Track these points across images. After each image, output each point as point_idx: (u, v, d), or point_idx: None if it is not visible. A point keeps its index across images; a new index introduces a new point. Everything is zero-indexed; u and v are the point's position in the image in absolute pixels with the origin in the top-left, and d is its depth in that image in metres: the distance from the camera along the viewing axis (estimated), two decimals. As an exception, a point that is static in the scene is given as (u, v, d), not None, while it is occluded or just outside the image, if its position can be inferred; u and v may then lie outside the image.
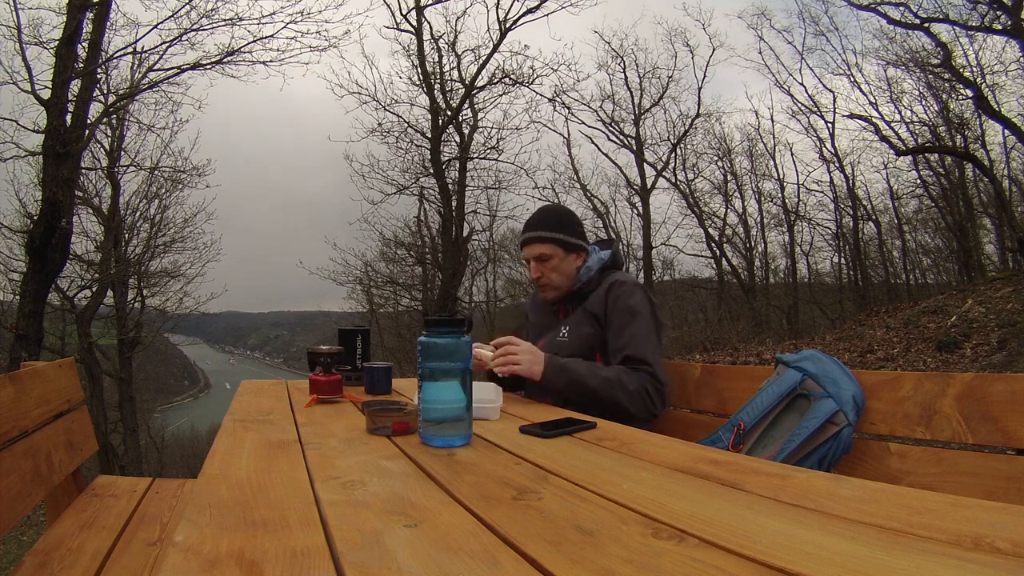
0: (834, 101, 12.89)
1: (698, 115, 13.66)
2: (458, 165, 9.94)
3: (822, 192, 13.96)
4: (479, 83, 9.65)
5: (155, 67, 7.02)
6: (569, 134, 13.97)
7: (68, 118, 5.73)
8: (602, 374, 1.47)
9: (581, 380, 1.45)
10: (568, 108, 12.89)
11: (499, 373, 1.49)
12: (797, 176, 14.40)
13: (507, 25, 9.30)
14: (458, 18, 9.61)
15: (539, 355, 1.49)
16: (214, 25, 6.91)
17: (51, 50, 5.79)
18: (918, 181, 12.84)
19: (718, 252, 14.36)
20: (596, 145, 14.02)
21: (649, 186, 13.69)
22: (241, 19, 6.97)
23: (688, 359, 8.82)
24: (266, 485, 0.72)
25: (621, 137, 13.76)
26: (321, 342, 1.79)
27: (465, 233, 10.06)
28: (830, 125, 13.12)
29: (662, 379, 1.51)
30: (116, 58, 6.82)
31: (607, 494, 0.69)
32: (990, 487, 0.99)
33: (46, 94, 5.72)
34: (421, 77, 9.65)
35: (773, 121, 14.40)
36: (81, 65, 5.88)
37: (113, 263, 9.82)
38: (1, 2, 6.16)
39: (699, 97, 13.60)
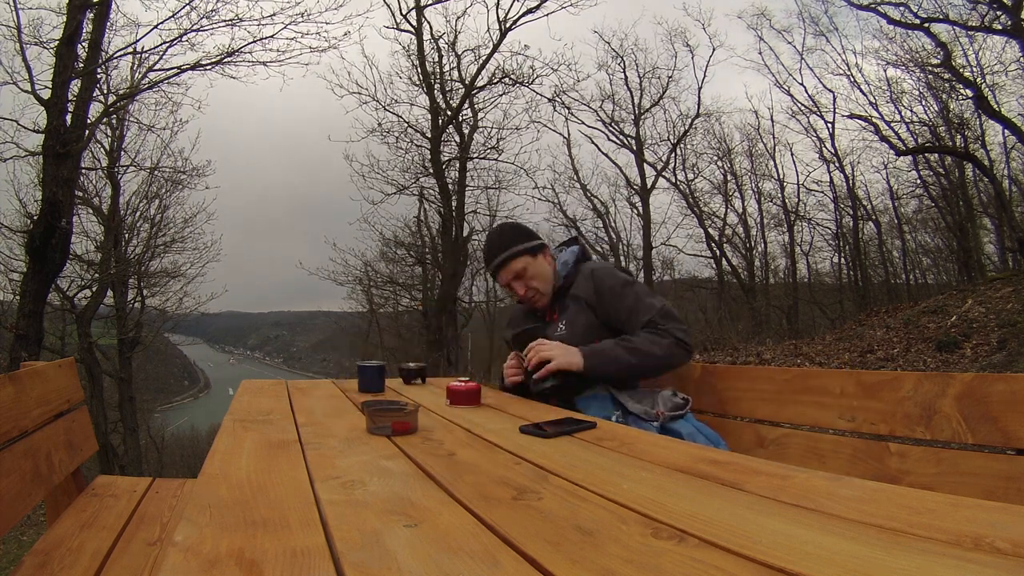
0: (834, 101, 12.89)
1: (698, 115, 13.69)
2: (458, 165, 9.95)
3: (822, 192, 13.97)
4: (479, 83, 9.66)
5: (155, 67, 7.03)
6: (569, 134, 14.00)
7: (68, 118, 5.73)
8: (633, 346, 1.51)
9: (620, 359, 1.50)
10: (568, 108, 12.91)
11: (534, 371, 1.50)
12: (797, 176, 14.40)
13: (507, 25, 9.31)
14: (458, 18, 9.63)
15: (571, 348, 1.52)
16: (214, 26, 6.91)
17: (51, 50, 5.79)
18: (918, 181, 12.85)
19: (718, 252, 14.37)
20: (596, 145, 14.05)
21: (649, 186, 13.71)
22: (241, 20, 6.97)
23: (688, 359, 8.78)
24: (266, 485, 0.72)
25: (621, 137, 13.78)
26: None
27: (465, 233, 10.07)
28: (830, 125, 13.13)
29: (678, 317, 1.59)
30: (116, 58, 6.82)
31: (607, 494, 0.69)
32: (990, 487, 0.99)
33: (46, 94, 5.72)
34: (421, 77, 9.65)
35: (773, 121, 14.34)
36: (81, 65, 5.88)
37: (113, 263, 9.82)
38: (1, 2, 6.15)
39: (699, 97, 13.62)
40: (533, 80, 9.83)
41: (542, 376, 1.48)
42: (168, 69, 7.08)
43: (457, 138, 10.03)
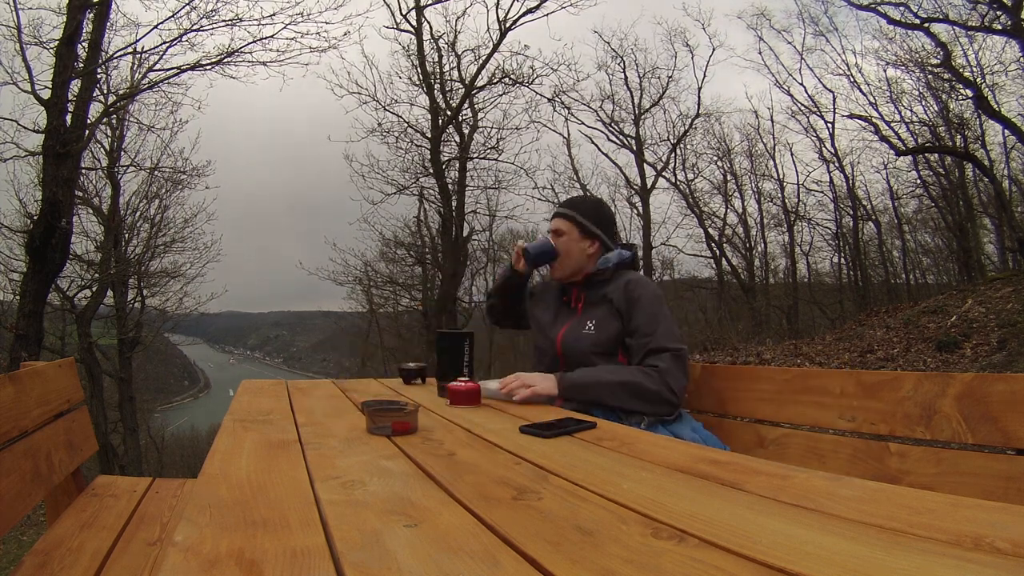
0: (834, 101, 12.88)
1: (698, 115, 13.67)
2: (458, 165, 9.94)
3: (822, 192, 13.97)
4: (479, 83, 9.66)
5: (155, 67, 7.03)
6: (569, 134, 13.97)
7: (68, 118, 5.73)
8: (617, 380, 1.47)
9: (598, 395, 1.47)
10: (568, 108, 12.89)
11: (516, 399, 1.45)
12: (797, 176, 14.38)
13: (507, 25, 9.31)
14: (458, 18, 9.63)
15: (550, 377, 1.50)
16: (214, 26, 6.91)
17: (51, 50, 5.79)
18: (918, 181, 12.85)
19: (718, 252, 14.37)
20: (596, 145, 14.02)
21: (649, 186, 13.70)
22: (241, 20, 6.96)
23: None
24: (266, 485, 0.72)
25: (621, 137, 13.76)
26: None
27: (465, 233, 10.07)
28: (830, 125, 13.12)
29: (687, 370, 1.53)
30: (116, 58, 6.82)
31: (607, 494, 0.69)
32: (990, 487, 0.99)
33: (46, 94, 5.71)
34: (421, 77, 9.65)
35: (773, 121, 14.30)
36: (81, 65, 5.88)
37: (113, 263, 9.82)
38: (1, 2, 6.15)
39: (699, 97, 13.60)
40: (533, 80, 9.84)
41: (522, 398, 1.44)
42: (168, 69, 7.08)
43: (457, 138, 10.04)
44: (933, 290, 11.47)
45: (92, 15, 5.96)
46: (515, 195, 19.06)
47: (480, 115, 10.10)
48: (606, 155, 14.11)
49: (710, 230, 14.28)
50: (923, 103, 11.71)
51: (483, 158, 10.23)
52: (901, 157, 12.27)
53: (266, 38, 7.20)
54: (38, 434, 1.40)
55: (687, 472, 0.80)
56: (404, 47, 9.90)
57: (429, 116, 9.78)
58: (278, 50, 7.32)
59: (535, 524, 0.59)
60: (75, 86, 5.86)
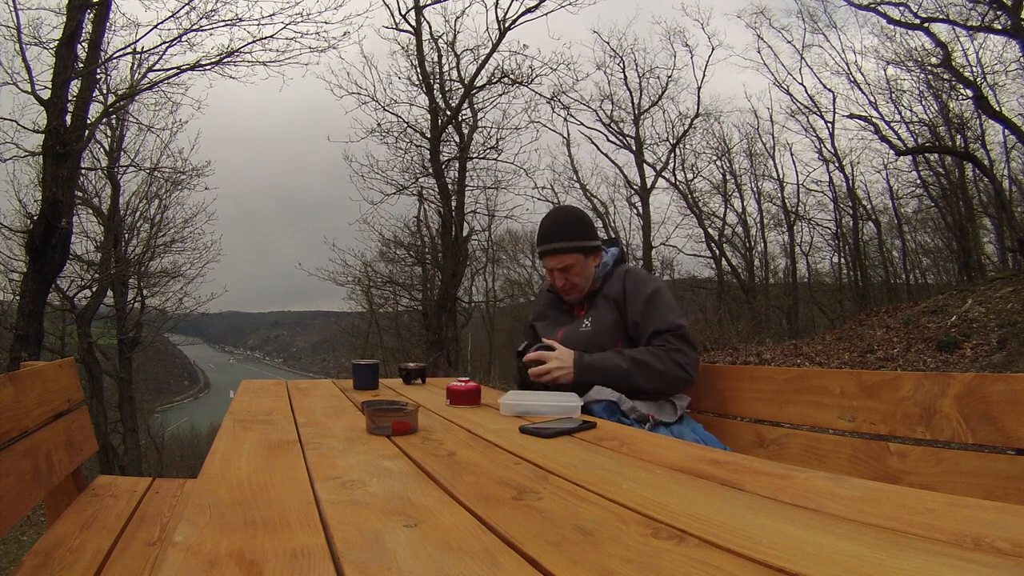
0: (833, 101, 12.91)
1: (697, 115, 13.69)
2: (457, 165, 9.94)
3: (822, 192, 13.99)
4: (478, 83, 9.65)
5: (155, 67, 7.02)
6: (568, 134, 14.00)
7: (68, 118, 5.72)
8: (628, 363, 1.51)
9: (611, 374, 1.52)
10: (567, 108, 12.91)
11: (539, 380, 1.57)
12: (797, 176, 14.41)
13: (506, 25, 9.31)
14: (457, 18, 9.63)
15: (567, 359, 1.55)
16: (214, 26, 6.90)
17: (51, 50, 5.79)
18: (918, 181, 12.87)
19: (718, 252, 14.38)
20: (595, 145, 14.06)
21: (649, 186, 13.72)
22: (241, 20, 6.95)
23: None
24: (266, 485, 0.72)
25: (620, 137, 13.78)
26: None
27: (465, 233, 10.06)
28: (830, 125, 13.15)
29: (692, 343, 1.56)
30: (116, 58, 6.82)
31: (607, 494, 0.69)
32: (990, 487, 0.99)
33: (46, 94, 5.71)
34: (420, 77, 9.65)
35: (772, 121, 14.33)
36: (81, 65, 5.88)
37: (113, 263, 9.81)
38: (1, 2, 6.15)
39: (698, 97, 13.63)
40: (532, 80, 9.83)
41: (540, 381, 1.57)
42: (168, 69, 7.07)
43: (456, 138, 10.03)
44: (933, 290, 11.48)
45: (92, 15, 5.96)
46: (515, 195, 19.11)
47: (479, 115, 10.10)
48: (606, 155, 14.18)
49: (710, 230, 14.32)
50: (923, 103, 11.75)
51: (483, 158, 10.23)
52: (901, 157, 12.30)
53: (266, 38, 7.20)
54: (38, 434, 1.40)
55: (687, 472, 0.80)
56: (403, 47, 9.90)
57: (428, 116, 9.79)
58: (278, 50, 7.31)
59: (535, 524, 0.59)
60: (75, 86, 5.85)
